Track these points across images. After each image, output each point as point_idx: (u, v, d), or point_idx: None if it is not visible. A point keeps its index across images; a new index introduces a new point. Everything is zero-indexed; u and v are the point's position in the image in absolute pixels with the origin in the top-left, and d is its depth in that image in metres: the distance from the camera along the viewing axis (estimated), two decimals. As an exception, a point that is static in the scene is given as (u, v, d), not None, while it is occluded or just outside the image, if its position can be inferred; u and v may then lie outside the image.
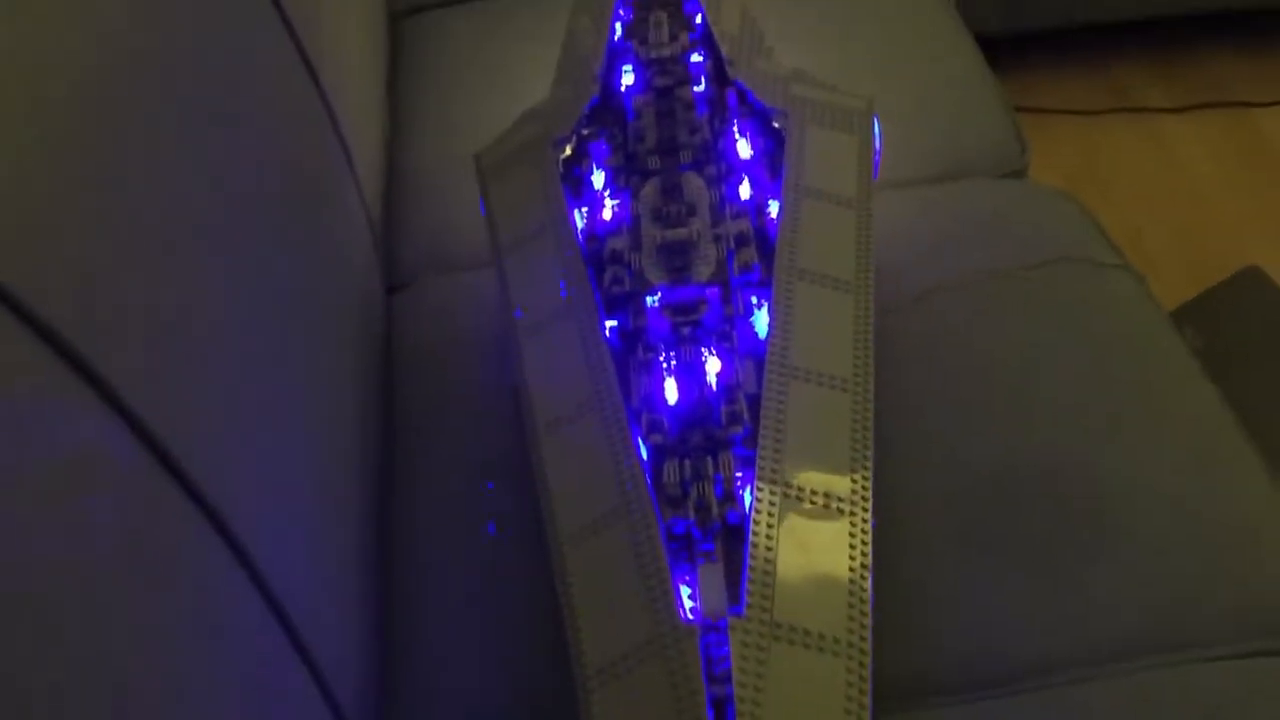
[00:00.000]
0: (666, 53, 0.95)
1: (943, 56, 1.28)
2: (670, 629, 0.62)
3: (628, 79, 0.96)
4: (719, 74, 0.96)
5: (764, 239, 0.83)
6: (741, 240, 0.81)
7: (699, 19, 1.01)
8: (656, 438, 0.71)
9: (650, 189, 0.85)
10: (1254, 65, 1.89)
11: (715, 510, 0.67)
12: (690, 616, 0.63)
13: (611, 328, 0.80)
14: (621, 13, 1.02)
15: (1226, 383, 0.95)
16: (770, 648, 0.61)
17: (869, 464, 0.71)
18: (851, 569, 0.66)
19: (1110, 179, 1.77)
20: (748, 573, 0.64)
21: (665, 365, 0.75)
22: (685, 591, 0.65)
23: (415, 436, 0.98)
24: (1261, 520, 0.84)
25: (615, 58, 0.98)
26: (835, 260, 0.82)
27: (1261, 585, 0.82)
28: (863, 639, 0.63)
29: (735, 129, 0.91)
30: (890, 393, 0.81)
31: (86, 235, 0.57)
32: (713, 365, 0.75)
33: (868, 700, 0.61)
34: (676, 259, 0.79)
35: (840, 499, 0.69)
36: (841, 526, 0.67)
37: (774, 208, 0.85)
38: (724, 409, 0.72)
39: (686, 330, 0.76)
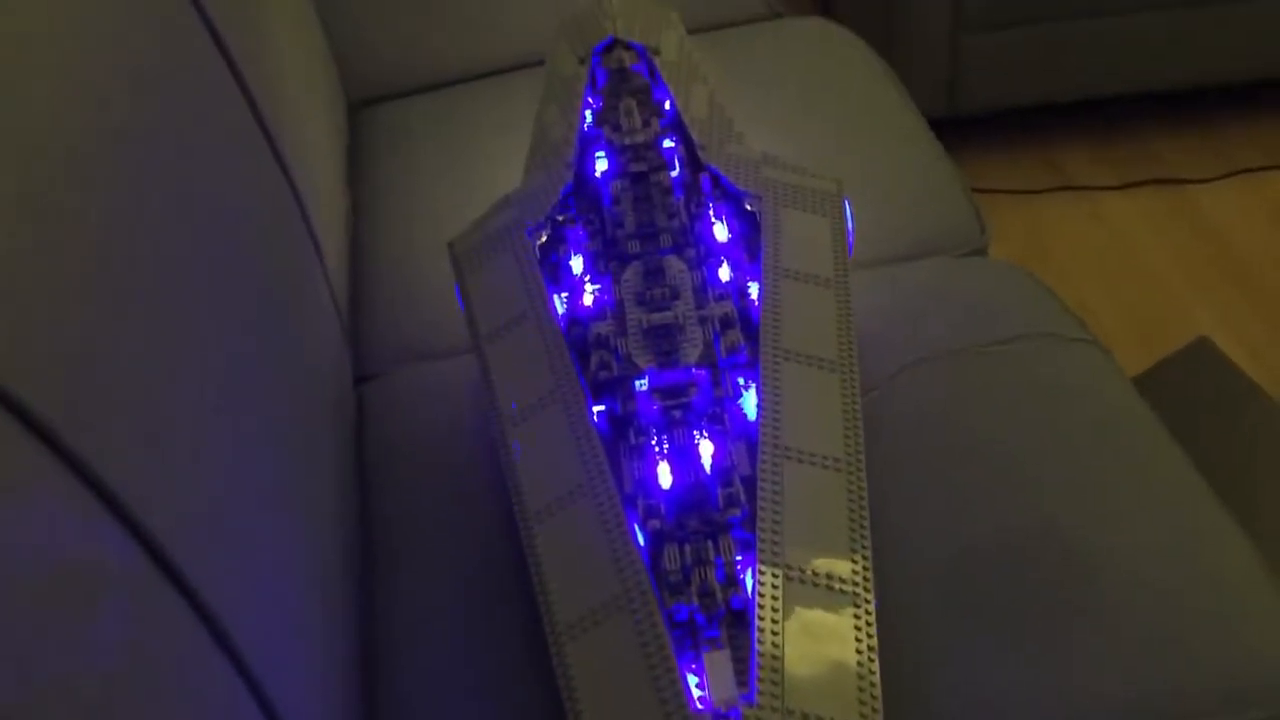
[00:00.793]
0: (640, 139, 0.95)
1: (900, 139, 1.31)
2: (680, 719, 0.61)
3: (601, 165, 0.96)
4: (691, 159, 0.97)
5: (747, 321, 0.83)
6: (726, 322, 0.81)
7: (668, 105, 1.02)
8: (654, 523, 0.70)
9: (632, 273, 0.85)
10: (1188, 143, 1.95)
11: (719, 595, 0.66)
12: (700, 706, 0.62)
13: (599, 413, 0.79)
14: (590, 100, 1.03)
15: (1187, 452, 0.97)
16: (784, 735, 0.60)
17: (868, 545, 0.70)
18: (859, 653, 0.65)
19: (1056, 256, 1.81)
20: (756, 660, 0.63)
21: (658, 449, 0.75)
22: (692, 680, 0.64)
23: (394, 537, 0.96)
24: (1246, 592, 0.85)
25: (587, 144, 0.99)
26: (818, 340, 0.82)
27: (1248, 658, 0.82)
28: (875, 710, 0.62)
29: (711, 212, 0.92)
30: (873, 469, 0.81)
31: (78, 334, 0.56)
32: (706, 448, 0.74)
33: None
34: (663, 342, 0.79)
35: (843, 581, 0.68)
36: (846, 610, 0.67)
37: (754, 289, 0.86)
38: (721, 492, 0.71)
39: (677, 413, 0.76)
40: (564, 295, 0.89)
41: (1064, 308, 1.09)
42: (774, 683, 0.62)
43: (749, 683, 0.63)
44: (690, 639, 0.66)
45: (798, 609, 0.66)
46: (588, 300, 0.87)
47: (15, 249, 0.53)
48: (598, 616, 0.68)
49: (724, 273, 0.87)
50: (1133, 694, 0.78)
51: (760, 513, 0.70)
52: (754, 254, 0.89)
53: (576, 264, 0.90)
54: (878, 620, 0.68)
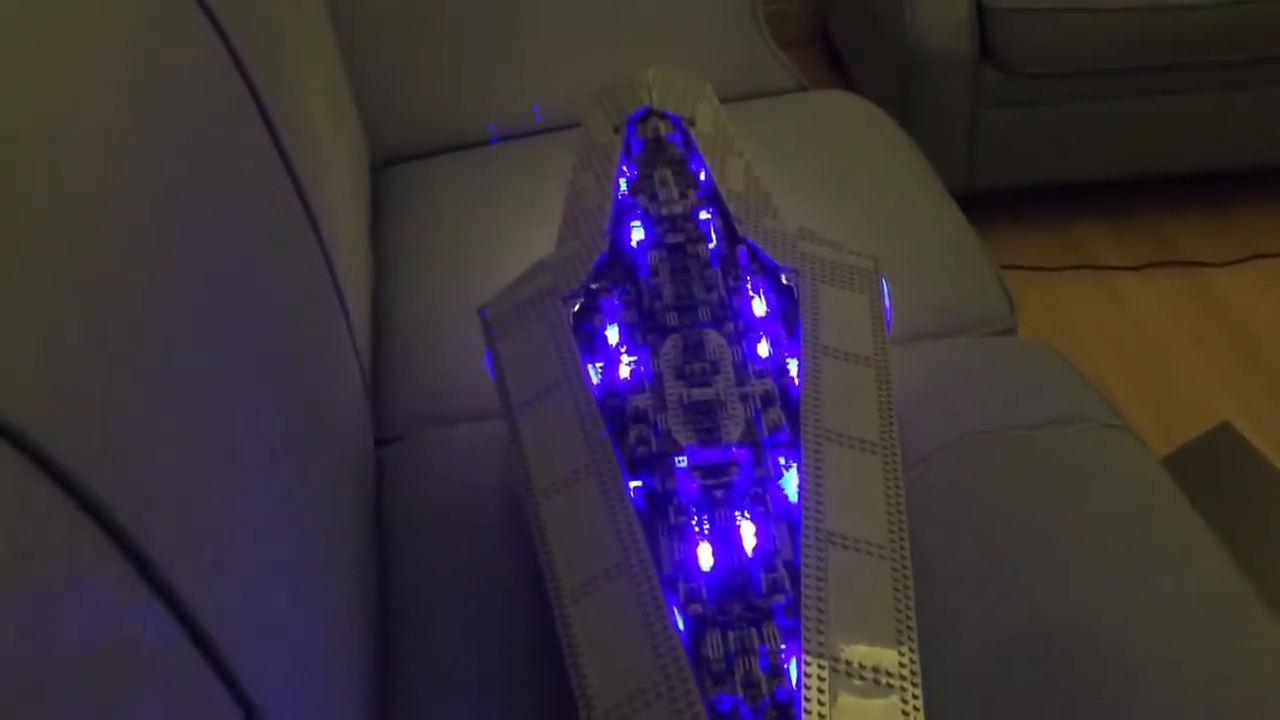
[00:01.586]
0: (678, 209, 0.95)
1: (928, 213, 1.31)
2: (726, 818, 0.59)
3: (637, 234, 0.95)
4: (727, 231, 0.96)
5: (787, 398, 0.81)
6: (767, 400, 0.80)
7: (703, 176, 1.01)
8: (696, 607, 0.68)
9: (670, 346, 0.84)
10: (1205, 226, 1.95)
11: (765, 687, 0.64)
12: (745, 803, 0.60)
13: (635, 489, 0.77)
14: (625, 169, 1.02)
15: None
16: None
17: (914, 636, 0.68)
18: (909, 749, 0.63)
19: (1073, 333, 1.80)
20: (805, 757, 0.61)
21: (698, 529, 0.73)
22: (737, 775, 0.62)
23: (412, 605, 0.94)
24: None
25: (622, 213, 0.98)
26: (860, 420, 0.81)
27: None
28: (927, 826, 0.60)
29: (748, 286, 0.91)
30: (912, 554, 0.79)
31: (125, 410, 0.55)
32: (747, 529, 0.73)
33: None
34: (705, 419, 0.78)
35: (889, 674, 0.66)
36: (893, 704, 0.65)
37: (793, 366, 0.84)
38: (764, 577, 0.69)
39: (719, 493, 0.74)
40: (599, 365, 0.88)
41: (1097, 391, 1.08)
42: (823, 785, 0.60)
43: (798, 784, 0.61)
44: (734, 731, 0.64)
45: (845, 703, 0.64)
46: (624, 372, 0.85)
47: (65, 322, 0.52)
48: (636, 704, 0.65)
49: (762, 348, 0.85)
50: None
51: (805, 600, 0.68)
52: (791, 330, 0.88)
53: (612, 334, 0.89)
54: (913, 714, 0.66)
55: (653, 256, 0.91)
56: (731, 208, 0.97)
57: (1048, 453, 0.99)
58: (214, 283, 0.71)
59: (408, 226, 1.39)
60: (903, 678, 0.66)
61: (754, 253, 0.94)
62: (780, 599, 0.68)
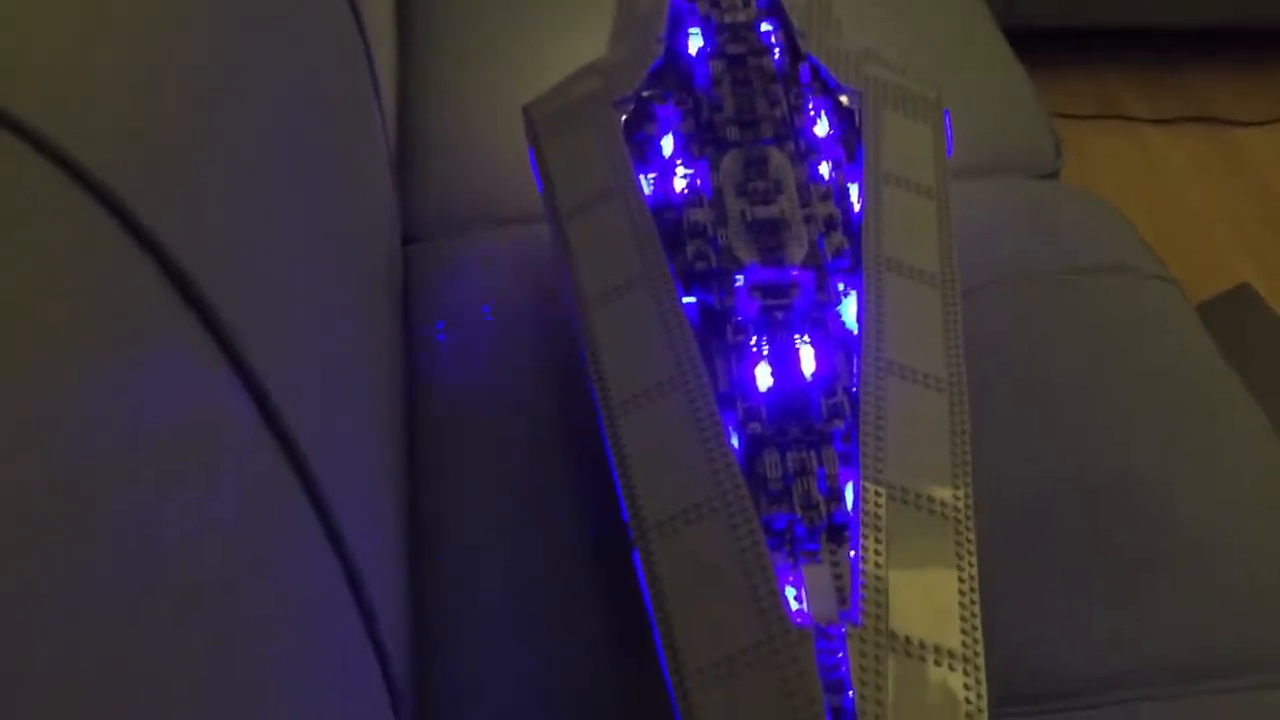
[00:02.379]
0: (740, 18, 0.90)
1: (979, 50, 1.26)
2: (782, 632, 0.59)
3: (695, 42, 0.91)
4: (790, 47, 0.92)
5: (848, 224, 0.79)
6: (830, 223, 0.78)
7: (764, -15, 0.96)
8: (754, 427, 0.68)
9: (731, 161, 0.81)
10: (1237, 85, 1.91)
11: (824, 509, 0.64)
12: (800, 620, 0.60)
13: (689, 304, 0.76)
14: (682, -28, 0.97)
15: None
16: (887, 659, 0.59)
17: (969, 472, 0.68)
18: (961, 581, 0.63)
19: (1097, 183, 1.77)
20: (860, 579, 0.61)
21: (755, 350, 0.72)
22: (790, 592, 0.62)
23: (437, 409, 0.93)
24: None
25: (679, 19, 0.94)
26: (920, 252, 0.79)
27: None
28: (977, 654, 0.60)
29: (810, 106, 0.88)
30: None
31: (205, 176, 0.52)
32: (806, 353, 0.71)
33: (987, 716, 0.58)
34: (768, 238, 0.75)
35: (944, 505, 0.66)
36: (948, 534, 0.65)
37: (853, 192, 0.82)
38: (824, 401, 0.68)
39: (779, 314, 0.72)
40: (650, 176, 0.85)
41: (1142, 241, 1.06)
42: (878, 604, 0.60)
43: (849, 601, 0.61)
44: (786, 549, 0.64)
45: (900, 530, 0.64)
46: (679, 185, 0.83)
47: (159, 84, 0.49)
48: (689, 517, 0.65)
49: (824, 171, 0.83)
50: (1200, 654, 0.77)
51: (863, 427, 0.67)
52: (852, 155, 0.85)
53: (666, 145, 0.86)
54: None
55: (714, 66, 0.87)
56: (795, 20, 0.93)
57: (1091, 300, 0.98)
58: (269, 55, 0.68)
59: (440, 12, 1.32)
60: (957, 510, 0.66)
61: (816, 71, 0.90)
62: (839, 424, 0.68)
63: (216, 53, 0.59)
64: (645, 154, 0.87)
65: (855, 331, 0.74)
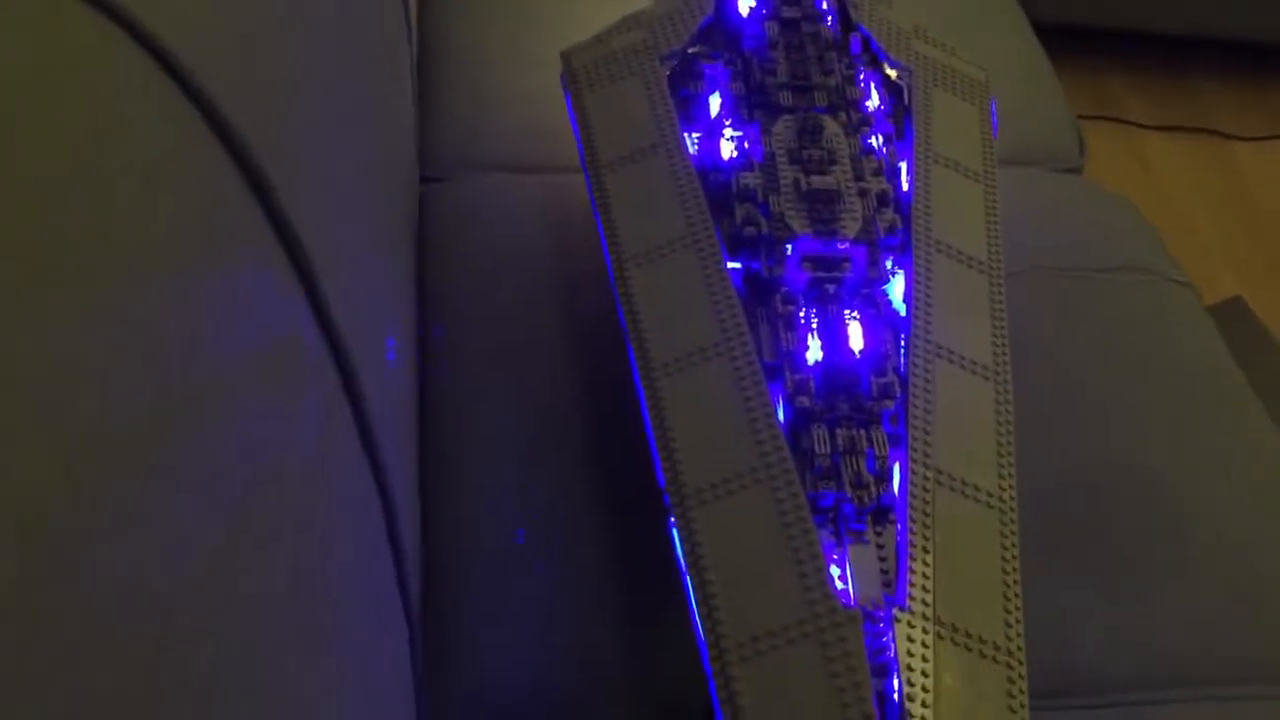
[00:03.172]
0: (796, -18, 0.88)
1: (1007, 41, 1.25)
2: (828, 611, 0.58)
3: (746, 2, 0.89)
4: (842, 17, 0.90)
5: (898, 202, 0.78)
6: (883, 199, 0.76)
7: (816, -48, 0.94)
8: (803, 400, 0.66)
9: (784, 127, 0.79)
10: (1241, 98, 1.92)
11: (874, 489, 0.62)
12: (845, 601, 0.59)
13: (732, 270, 0.74)
14: (733, -70, 0.95)
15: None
16: (934, 646, 0.58)
17: (1013, 461, 0.67)
18: (1005, 571, 0.62)
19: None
20: (908, 563, 0.60)
21: (805, 322, 0.70)
22: (834, 571, 0.61)
23: (452, 351, 0.91)
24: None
25: (730, -24, 0.91)
26: (968, 236, 0.78)
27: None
28: (1020, 648, 0.59)
29: (861, 78, 0.86)
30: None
31: (282, 68, 0.49)
32: (854, 330, 0.70)
33: (1027, 714, 0.57)
34: (823, 208, 0.74)
35: (989, 494, 0.65)
36: (993, 524, 0.64)
37: (903, 170, 0.81)
38: (875, 380, 0.67)
39: (830, 288, 0.71)
40: (695, 136, 0.83)
41: (1161, 243, 1.06)
42: (925, 589, 0.59)
43: (895, 585, 0.60)
44: (832, 527, 0.63)
45: (948, 517, 0.63)
46: (726, 148, 0.81)
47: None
48: (731, 486, 0.64)
49: (875, 144, 0.81)
50: (1210, 653, 0.78)
51: (912, 410, 0.66)
52: (901, 131, 0.84)
53: (713, 104, 0.84)
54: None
55: (769, 28, 0.85)
56: (848, -10, 0.91)
57: (1109, 298, 0.98)
58: None
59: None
60: (1002, 500, 0.65)
61: (867, 43, 0.89)
62: (889, 405, 0.66)
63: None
64: (690, 112, 0.85)
65: (901, 313, 0.72)
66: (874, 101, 0.84)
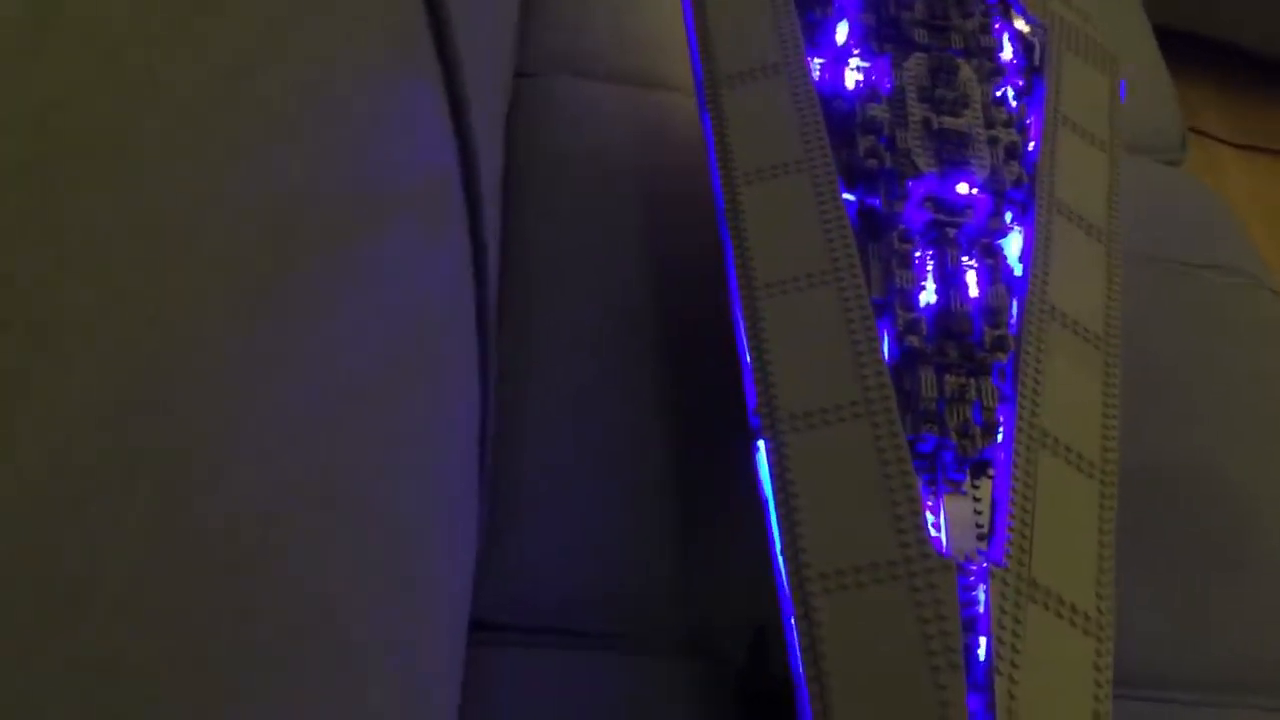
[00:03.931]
0: (939, -82, 0.85)
1: (1122, 31, 1.21)
2: (921, 556, 0.55)
3: (885, -68, 0.86)
4: (980, -39, 0.86)
5: (1024, 158, 0.75)
6: (1011, 151, 0.73)
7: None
8: (912, 340, 0.64)
9: (916, 64, 0.76)
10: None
11: (980, 441, 0.60)
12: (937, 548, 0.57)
13: (847, 202, 0.71)
14: None
15: None
16: (1026, 608, 0.55)
17: (1116, 436, 0.65)
18: (1101, 545, 0.60)
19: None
20: (1007, 520, 0.58)
21: (921, 262, 0.67)
22: (929, 519, 0.58)
23: (531, 256, 0.88)
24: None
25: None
26: (1090, 204, 0.75)
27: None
28: (1110, 623, 0.57)
29: (996, 26, 0.83)
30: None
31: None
32: (971, 278, 0.67)
33: (1110, 690, 0.55)
34: (951, 150, 0.71)
35: (1093, 466, 0.63)
36: (1094, 495, 0.62)
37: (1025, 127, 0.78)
38: (989, 331, 0.64)
39: (951, 232, 0.68)
40: (818, 62, 0.80)
41: (1256, 250, 1.03)
42: (1022, 549, 0.57)
43: (991, 541, 0.58)
44: (929, 474, 0.60)
45: (1049, 481, 0.60)
46: (850, 77, 0.78)
47: None
48: (829, 417, 0.61)
49: (1007, 96, 0.78)
50: (1263, 667, 0.76)
51: (1023, 367, 0.64)
52: (1029, 88, 0.81)
53: (841, 32, 0.81)
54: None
55: (909, -40, 0.82)
56: (988, -64, 0.87)
57: (1202, 295, 0.95)
58: None
59: None
60: (1104, 473, 0.63)
61: (1003, -7, 0.85)
62: (1002, 358, 0.64)
63: None
64: (814, 37, 0.81)
65: (1016, 272, 0.70)
66: (1007, 53, 0.81)
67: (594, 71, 1.05)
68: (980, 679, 0.53)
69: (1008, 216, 0.72)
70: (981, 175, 0.70)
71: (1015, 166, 0.73)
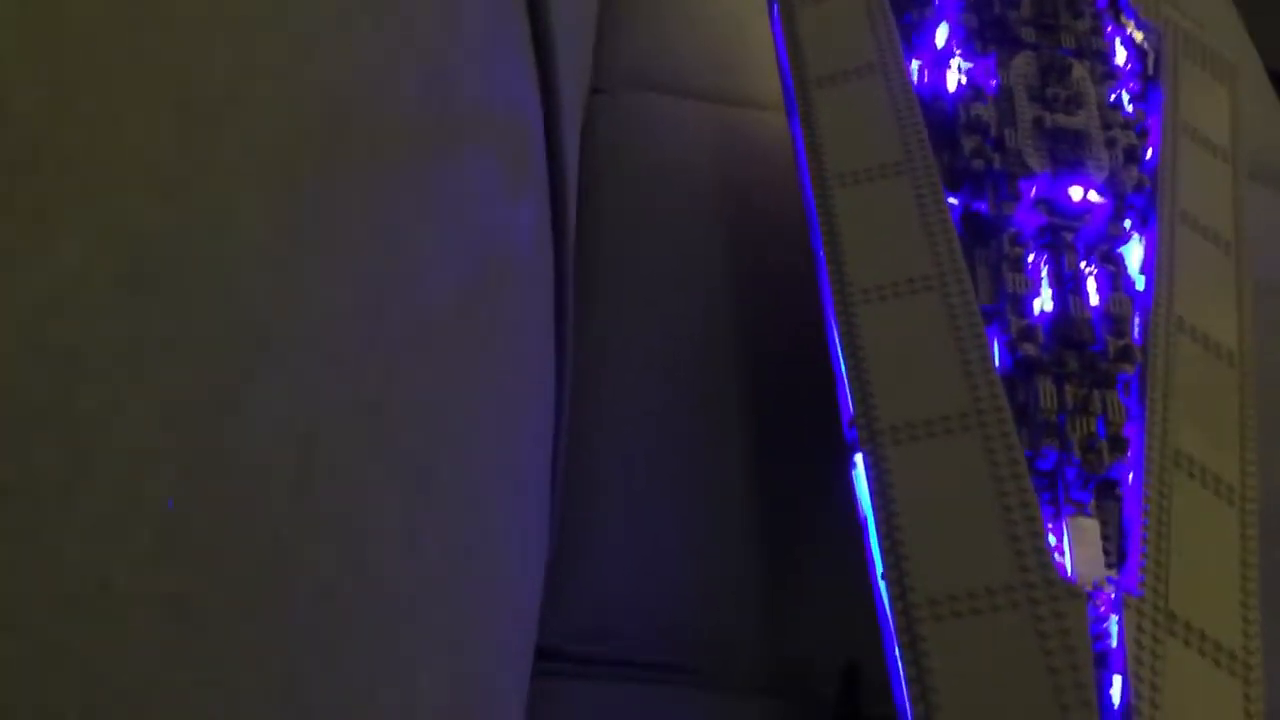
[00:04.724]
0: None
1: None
2: (1045, 582, 0.49)
3: (987, -66, 0.81)
4: (1088, -37, 0.81)
5: (1144, 164, 0.69)
6: (1131, 155, 0.67)
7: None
8: (1028, 348, 0.58)
9: (1024, 62, 0.71)
10: None
11: (1108, 457, 0.54)
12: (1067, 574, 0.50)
13: (950, 207, 0.66)
14: None
15: None
16: (1166, 643, 0.49)
17: (1255, 460, 0.58)
18: (1245, 575, 0.53)
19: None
20: (1141, 545, 0.51)
21: (1034, 268, 0.62)
22: (1051, 541, 0.52)
23: (599, 273, 0.83)
24: None
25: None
26: (1216, 215, 0.69)
27: None
28: (1259, 662, 0.51)
29: (1107, 29, 0.77)
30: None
31: None
32: (1090, 285, 0.62)
33: (1264, 740, 0.49)
34: (1067, 150, 0.65)
35: (1231, 490, 0.56)
36: (1233, 521, 0.55)
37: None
38: (1113, 342, 0.58)
39: (1068, 236, 0.63)
40: (916, 64, 0.75)
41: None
42: (1158, 577, 0.51)
43: (1123, 568, 0.52)
44: (1050, 493, 0.54)
45: (1185, 504, 0.54)
46: (952, 80, 0.73)
47: None
48: (934, 428, 0.56)
49: (1124, 101, 0.73)
50: None
51: (1151, 381, 0.58)
52: (1144, 95, 0.75)
53: (940, 34, 0.76)
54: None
55: (1015, -41, 0.77)
56: (1098, -61, 0.82)
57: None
58: None
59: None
60: (1245, 499, 0.56)
61: (1114, -1, 0.80)
62: (1128, 369, 0.58)
63: None
64: (911, 40, 0.77)
65: (1137, 285, 0.64)
66: (1120, 58, 0.76)
67: (671, 87, 1.01)
68: (1115, 721, 0.46)
69: (1127, 223, 0.66)
70: (1099, 177, 0.65)
71: (1135, 170, 0.67)
